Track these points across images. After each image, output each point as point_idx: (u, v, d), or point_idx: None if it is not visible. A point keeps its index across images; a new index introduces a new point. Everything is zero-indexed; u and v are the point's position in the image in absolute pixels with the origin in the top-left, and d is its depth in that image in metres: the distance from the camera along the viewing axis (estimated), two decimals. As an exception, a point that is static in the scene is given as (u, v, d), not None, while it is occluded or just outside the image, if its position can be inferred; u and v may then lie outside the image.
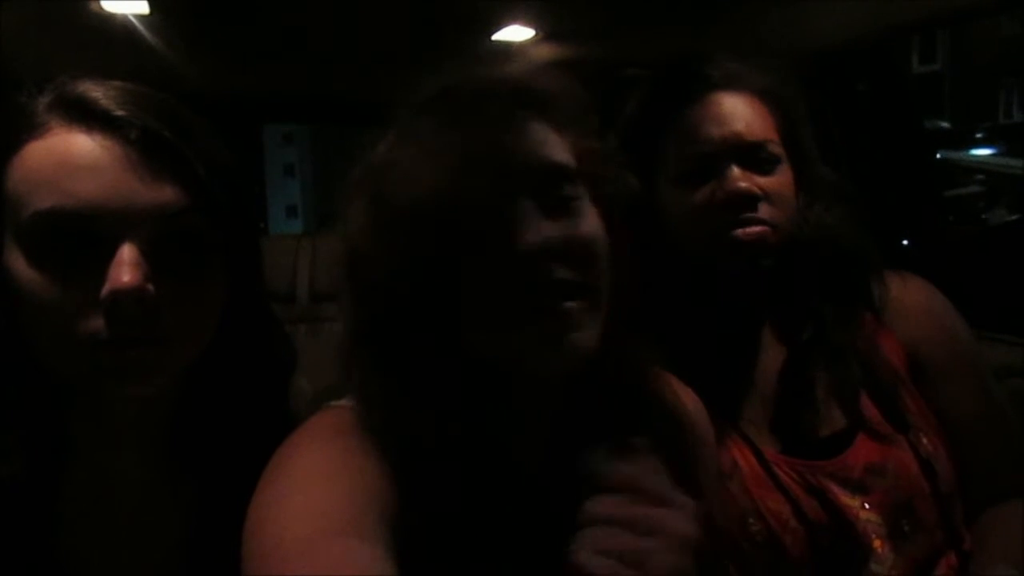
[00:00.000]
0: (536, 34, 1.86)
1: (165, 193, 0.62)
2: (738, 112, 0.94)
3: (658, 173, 0.97)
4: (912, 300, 1.02)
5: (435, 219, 0.59)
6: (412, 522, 0.57)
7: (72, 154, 0.60)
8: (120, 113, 0.62)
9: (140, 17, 1.65)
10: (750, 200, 0.92)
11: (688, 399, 0.79)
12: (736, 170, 0.92)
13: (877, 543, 0.89)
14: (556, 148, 0.64)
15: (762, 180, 0.93)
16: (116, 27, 1.66)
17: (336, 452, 0.59)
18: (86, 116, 0.62)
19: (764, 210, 0.92)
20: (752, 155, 0.93)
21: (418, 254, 0.60)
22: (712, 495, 0.78)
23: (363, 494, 0.56)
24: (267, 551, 0.54)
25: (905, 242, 2.13)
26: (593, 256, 0.62)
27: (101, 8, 1.60)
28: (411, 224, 0.60)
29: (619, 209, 0.68)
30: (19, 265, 0.60)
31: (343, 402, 0.65)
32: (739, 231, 0.91)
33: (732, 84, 0.95)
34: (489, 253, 0.60)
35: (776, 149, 0.95)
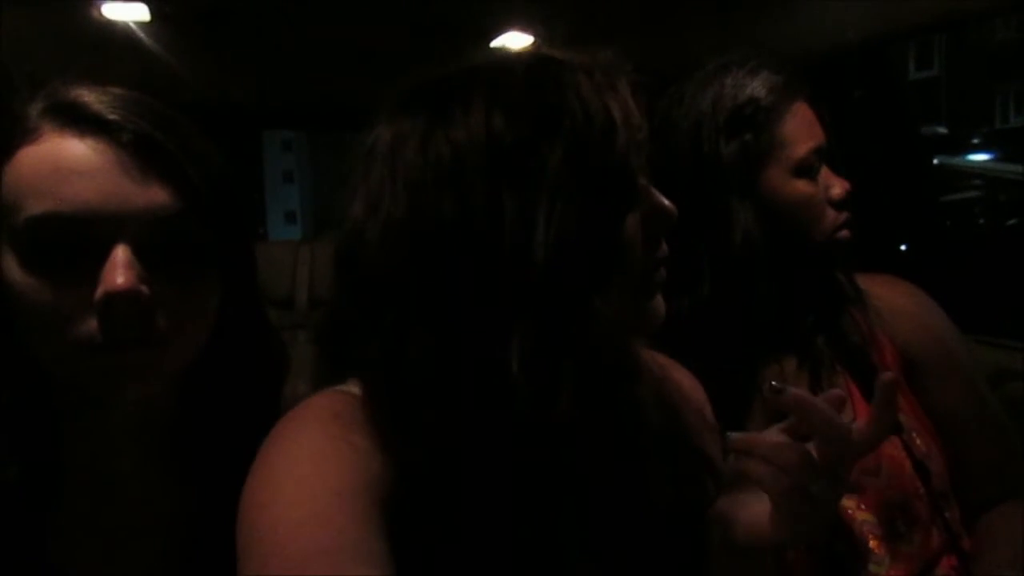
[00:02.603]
0: (535, 40, 1.86)
1: (158, 195, 0.62)
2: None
3: (769, 160, 0.97)
4: (901, 303, 1.03)
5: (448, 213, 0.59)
6: (407, 507, 0.57)
7: (65, 159, 0.60)
8: (112, 117, 0.62)
9: (141, 24, 1.65)
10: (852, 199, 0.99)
11: (690, 385, 0.80)
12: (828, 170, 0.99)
13: (873, 543, 0.90)
14: None
15: None
16: (117, 34, 1.66)
17: (330, 434, 0.59)
18: (78, 121, 0.62)
19: None
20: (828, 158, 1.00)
21: (428, 245, 0.59)
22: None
23: (358, 477, 0.56)
24: (261, 533, 0.54)
25: (903, 247, 2.14)
26: None
27: (102, 15, 1.60)
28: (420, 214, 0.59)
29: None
30: (13, 270, 0.60)
31: (341, 387, 0.65)
32: (846, 231, 0.99)
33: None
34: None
35: None
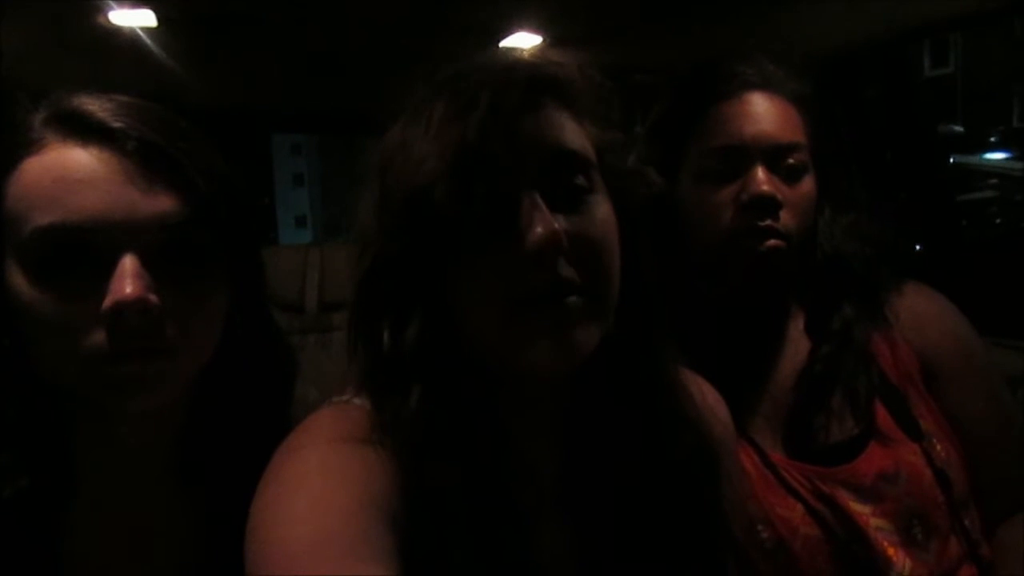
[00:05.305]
0: (543, 41, 1.86)
1: (164, 204, 0.62)
2: (770, 112, 0.93)
3: (682, 170, 0.95)
4: (923, 310, 1.01)
5: (436, 206, 0.57)
6: (416, 521, 0.56)
7: (69, 169, 0.60)
8: (116, 125, 0.62)
9: (148, 30, 1.66)
10: (773, 205, 0.90)
11: (713, 400, 0.78)
12: (761, 172, 0.91)
13: (891, 551, 0.88)
14: (571, 136, 0.61)
15: (786, 188, 0.92)
16: (124, 40, 1.66)
17: (339, 449, 0.58)
18: (82, 130, 0.62)
19: (784, 218, 0.91)
20: (779, 158, 0.92)
21: (416, 240, 0.59)
22: (730, 500, 0.77)
23: (366, 493, 0.55)
24: (270, 552, 0.53)
25: (918, 247, 2.12)
26: (600, 253, 0.60)
27: (108, 21, 1.61)
28: (411, 209, 0.58)
29: (637, 205, 0.66)
30: (20, 282, 0.60)
31: (346, 397, 0.64)
32: (757, 244, 0.90)
33: (767, 85, 0.95)
34: (490, 245, 0.58)
35: (803, 157, 0.94)
